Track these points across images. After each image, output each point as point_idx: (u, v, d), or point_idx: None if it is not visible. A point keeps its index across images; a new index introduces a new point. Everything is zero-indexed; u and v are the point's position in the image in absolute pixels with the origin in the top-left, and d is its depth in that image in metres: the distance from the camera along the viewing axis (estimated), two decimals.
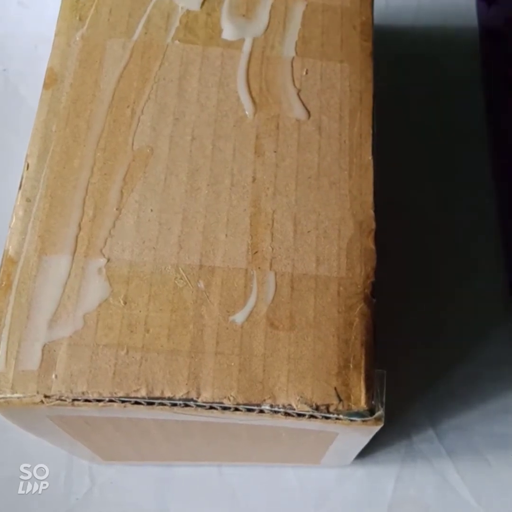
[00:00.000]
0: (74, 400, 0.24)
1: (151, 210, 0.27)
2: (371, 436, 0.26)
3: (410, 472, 0.38)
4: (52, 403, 0.24)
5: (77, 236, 0.26)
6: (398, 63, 0.46)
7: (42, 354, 0.25)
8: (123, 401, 0.24)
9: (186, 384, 0.24)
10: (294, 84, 0.30)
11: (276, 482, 0.37)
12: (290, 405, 0.24)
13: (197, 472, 0.37)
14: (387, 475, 0.38)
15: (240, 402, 0.24)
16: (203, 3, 0.31)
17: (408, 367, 0.39)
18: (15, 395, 0.24)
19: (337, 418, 0.24)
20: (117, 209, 0.27)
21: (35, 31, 0.47)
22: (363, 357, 0.25)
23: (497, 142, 0.46)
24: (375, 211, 0.28)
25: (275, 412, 0.24)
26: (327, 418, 0.24)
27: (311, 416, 0.24)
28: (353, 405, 0.24)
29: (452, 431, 0.39)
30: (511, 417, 0.39)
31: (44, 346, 0.25)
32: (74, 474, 0.37)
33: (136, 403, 0.24)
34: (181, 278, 0.26)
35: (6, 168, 0.44)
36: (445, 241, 0.43)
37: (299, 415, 0.24)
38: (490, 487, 0.38)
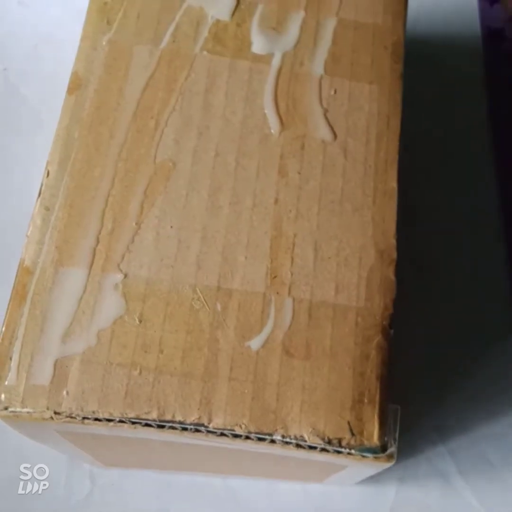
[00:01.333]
0: (84, 418, 0.24)
1: (171, 227, 0.27)
2: (380, 470, 0.26)
3: (412, 474, 0.38)
4: (62, 420, 0.24)
5: (94, 249, 0.26)
6: None
7: (54, 369, 0.24)
8: (133, 422, 0.24)
9: (198, 409, 0.24)
10: (321, 104, 0.29)
11: (278, 484, 0.37)
12: (302, 436, 0.24)
13: (199, 475, 0.37)
14: (390, 477, 0.38)
15: (252, 430, 0.24)
16: (233, 13, 0.31)
17: (409, 367, 0.39)
18: (25, 409, 0.24)
19: (348, 453, 0.24)
20: (136, 223, 0.27)
21: (36, 31, 0.47)
22: (378, 391, 0.25)
23: (500, 143, 0.46)
24: (397, 240, 0.27)
25: (287, 443, 0.24)
26: (338, 452, 0.24)
27: (322, 450, 0.24)
28: (365, 441, 0.24)
29: (455, 432, 0.39)
30: None
31: (56, 361, 0.24)
32: (74, 475, 0.37)
33: (147, 425, 0.24)
34: (198, 299, 0.25)
35: (6, 168, 0.43)
36: (445, 244, 0.43)
37: (311, 447, 0.24)
38: (493, 489, 0.38)
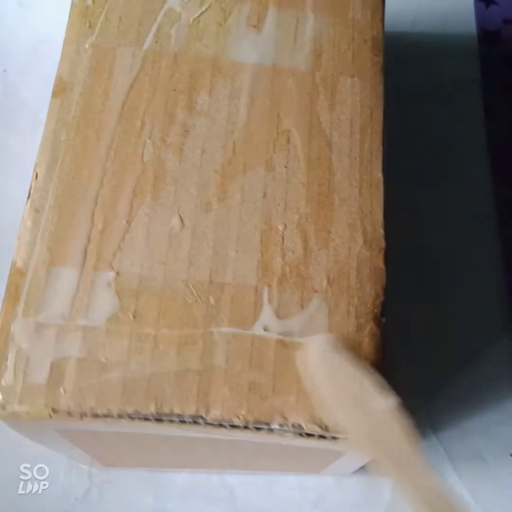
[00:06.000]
0: (82, 415, 0.24)
1: (161, 224, 0.27)
2: None
3: None
4: (60, 418, 0.24)
5: (86, 249, 0.26)
6: (397, 65, 0.46)
7: (50, 368, 0.24)
8: (131, 417, 0.24)
9: (196, 401, 0.24)
10: (304, 99, 0.30)
11: (275, 481, 0.37)
12: (299, 425, 0.24)
13: (196, 472, 0.37)
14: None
15: (250, 420, 0.24)
16: (215, 14, 0.31)
17: (407, 367, 0.39)
18: (23, 408, 0.24)
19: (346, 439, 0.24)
20: (126, 221, 0.27)
21: (35, 32, 0.47)
22: None
23: (496, 143, 0.46)
24: (385, 229, 0.28)
25: (285, 431, 0.24)
26: (335, 438, 0.24)
27: (320, 437, 0.24)
28: None
29: (450, 430, 0.39)
30: (509, 416, 0.40)
31: (52, 360, 0.25)
32: (73, 474, 0.37)
33: (145, 419, 0.24)
34: (191, 294, 0.26)
35: (6, 168, 0.44)
36: (442, 244, 0.43)
37: (309, 435, 0.24)
38: (487, 486, 0.38)
